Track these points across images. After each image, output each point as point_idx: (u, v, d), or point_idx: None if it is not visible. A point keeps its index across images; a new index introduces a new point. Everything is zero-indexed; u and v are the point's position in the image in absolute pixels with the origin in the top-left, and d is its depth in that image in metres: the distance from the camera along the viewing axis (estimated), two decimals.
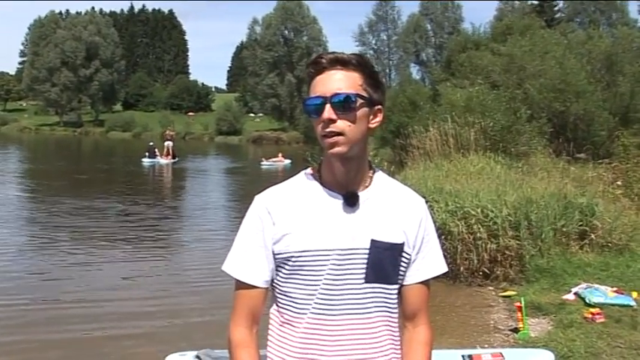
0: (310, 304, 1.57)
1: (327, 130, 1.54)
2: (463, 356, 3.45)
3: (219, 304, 6.35)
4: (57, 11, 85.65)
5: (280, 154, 29.25)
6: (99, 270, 8.53)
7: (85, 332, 5.95)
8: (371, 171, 1.67)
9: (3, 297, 6.99)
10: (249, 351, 1.61)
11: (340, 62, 1.57)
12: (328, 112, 1.54)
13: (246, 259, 1.62)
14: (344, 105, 1.54)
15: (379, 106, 1.62)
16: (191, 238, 11.32)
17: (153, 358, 4.81)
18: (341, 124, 1.54)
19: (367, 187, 1.64)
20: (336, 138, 1.54)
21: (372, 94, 1.59)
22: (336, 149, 1.55)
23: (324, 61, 1.57)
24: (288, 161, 27.46)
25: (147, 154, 29.08)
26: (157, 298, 7.24)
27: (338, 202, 1.60)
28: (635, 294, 6.01)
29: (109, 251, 9.68)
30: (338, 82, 1.56)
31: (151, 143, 30.71)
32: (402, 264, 1.63)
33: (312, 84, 1.59)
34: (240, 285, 1.63)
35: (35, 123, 77.42)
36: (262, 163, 28.31)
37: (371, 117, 1.61)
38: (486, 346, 5.05)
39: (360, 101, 1.56)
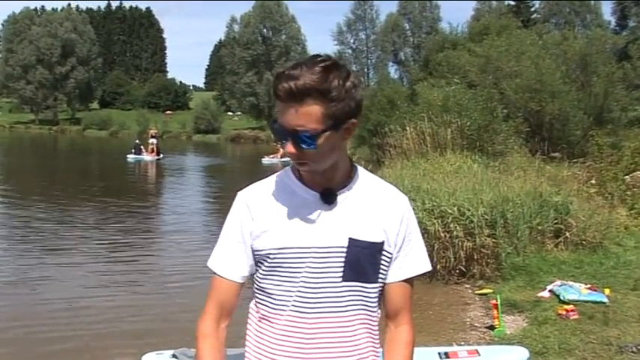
0: (289, 302, 1.57)
1: (293, 159, 1.53)
2: (439, 353, 3.49)
3: (196, 304, 6.31)
4: (32, 7, 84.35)
5: (281, 150, 29.79)
6: (75, 270, 8.43)
7: (60, 332, 5.88)
8: (352, 168, 1.64)
9: None
10: (211, 341, 1.62)
11: (296, 98, 1.43)
12: (289, 147, 1.49)
13: (225, 254, 1.64)
14: (304, 142, 1.47)
15: (352, 120, 1.51)
16: (170, 238, 11.20)
17: (130, 358, 4.79)
18: (305, 156, 1.50)
19: (347, 185, 1.62)
20: (302, 163, 1.53)
21: (338, 116, 1.47)
22: (306, 169, 1.56)
23: (280, 93, 1.45)
24: (287, 158, 27.88)
25: (133, 150, 29.87)
26: (134, 298, 7.19)
27: (316, 200, 1.59)
28: (607, 291, 6.10)
29: (86, 251, 9.57)
30: (295, 118, 1.45)
31: (137, 141, 31.53)
32: (383, 263, 1.62)
33: (277, 104, 1.50)
34: (216, 278, 1.65)
35: (9, 120, 76.22)
36: (267, 159, 28.99)
37: (342, 133, 1.52)
38: (462, 343, 5.10)
39: (321, 135, 1.47)
